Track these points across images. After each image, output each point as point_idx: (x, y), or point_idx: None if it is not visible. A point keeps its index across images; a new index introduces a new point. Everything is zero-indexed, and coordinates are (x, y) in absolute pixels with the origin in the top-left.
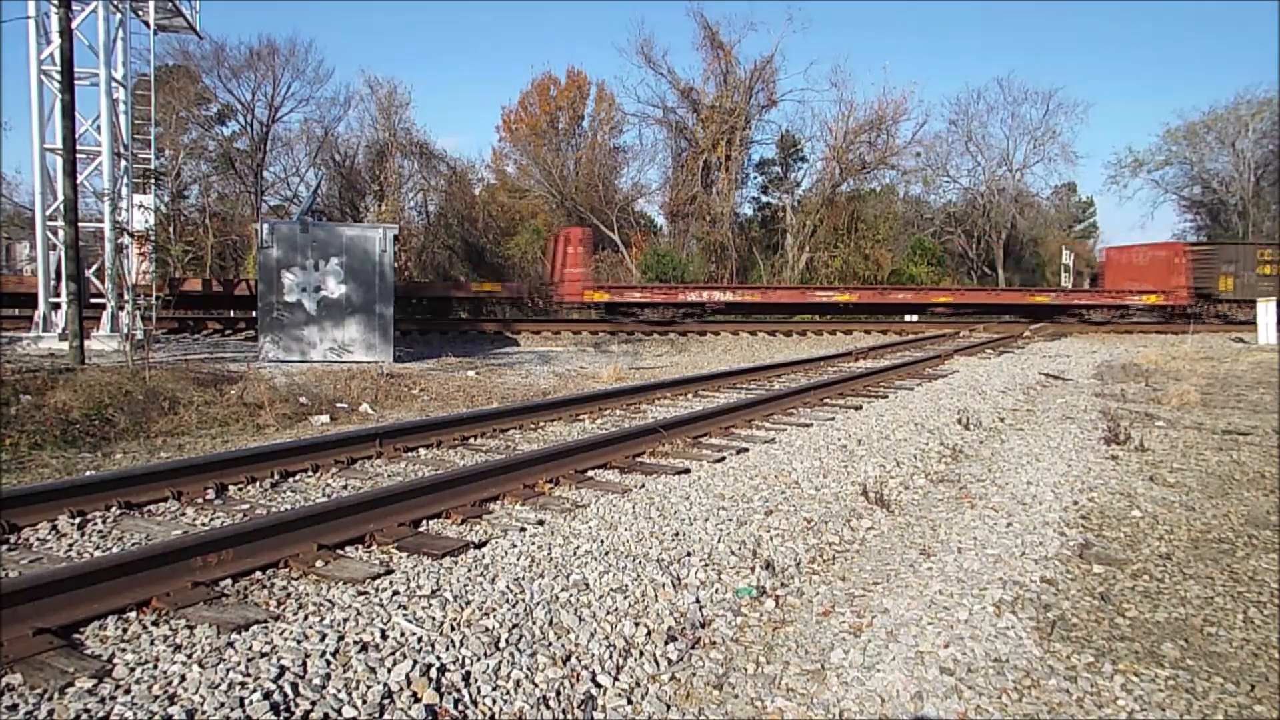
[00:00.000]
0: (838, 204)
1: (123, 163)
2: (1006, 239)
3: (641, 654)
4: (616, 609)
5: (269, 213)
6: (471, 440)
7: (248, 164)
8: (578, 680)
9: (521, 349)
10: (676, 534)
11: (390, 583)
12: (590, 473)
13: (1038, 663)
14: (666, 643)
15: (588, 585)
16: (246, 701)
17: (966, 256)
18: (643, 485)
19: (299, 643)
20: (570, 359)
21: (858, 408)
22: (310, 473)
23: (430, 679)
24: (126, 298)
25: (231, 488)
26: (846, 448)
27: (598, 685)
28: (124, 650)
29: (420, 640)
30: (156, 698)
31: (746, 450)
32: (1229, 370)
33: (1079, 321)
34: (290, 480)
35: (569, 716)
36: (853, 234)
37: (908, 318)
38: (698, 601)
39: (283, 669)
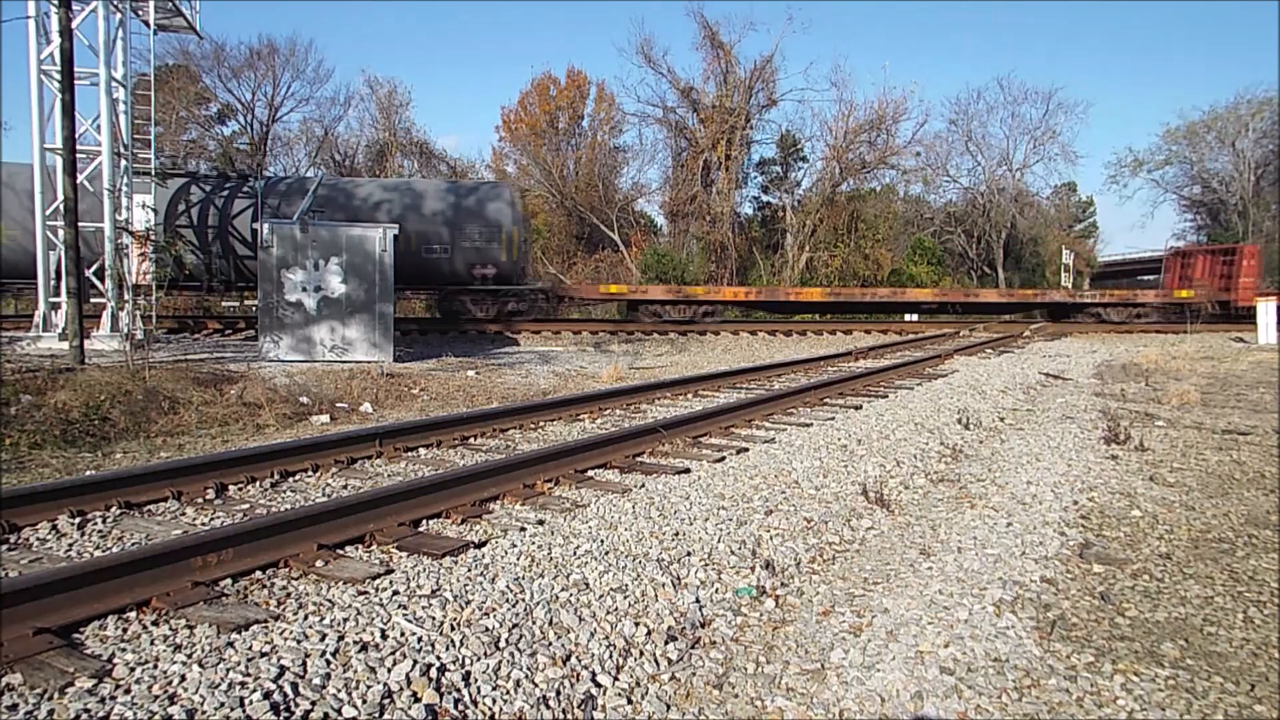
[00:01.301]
0: (838, 204)
1: (123, 163)
2: (1006, 239)
3: (641, 654)
4: (616, 609)
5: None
6: (471, 440)
7: (248, 164)
8: (578, 680)
9: (521, 349)
10: (676, 534)
11: (390, 583)
12: (590, 473)
13: (1038, 662)
14: (666, 642)
15: (588, 585)
16: (246, 701)
17: (966, 256)
18: (643, 485)
19: (299, 643)
20: (570, 359)
21: (858, 407)
22: (310, 473)
23: (430, 679)
24: (127, 297)
25: (231, 488)
26: (846, 447)
27: (598, 685)
28: (124, 650)
29: (420, 640)
30: (156, 698)
31: (746, 450)
32: (1229, 370)
33: None
34: (290, 480)
35: (569, 716)
36: (853, 234)
37: (909, 316)
38: (698, 601)
39: (283, 669)
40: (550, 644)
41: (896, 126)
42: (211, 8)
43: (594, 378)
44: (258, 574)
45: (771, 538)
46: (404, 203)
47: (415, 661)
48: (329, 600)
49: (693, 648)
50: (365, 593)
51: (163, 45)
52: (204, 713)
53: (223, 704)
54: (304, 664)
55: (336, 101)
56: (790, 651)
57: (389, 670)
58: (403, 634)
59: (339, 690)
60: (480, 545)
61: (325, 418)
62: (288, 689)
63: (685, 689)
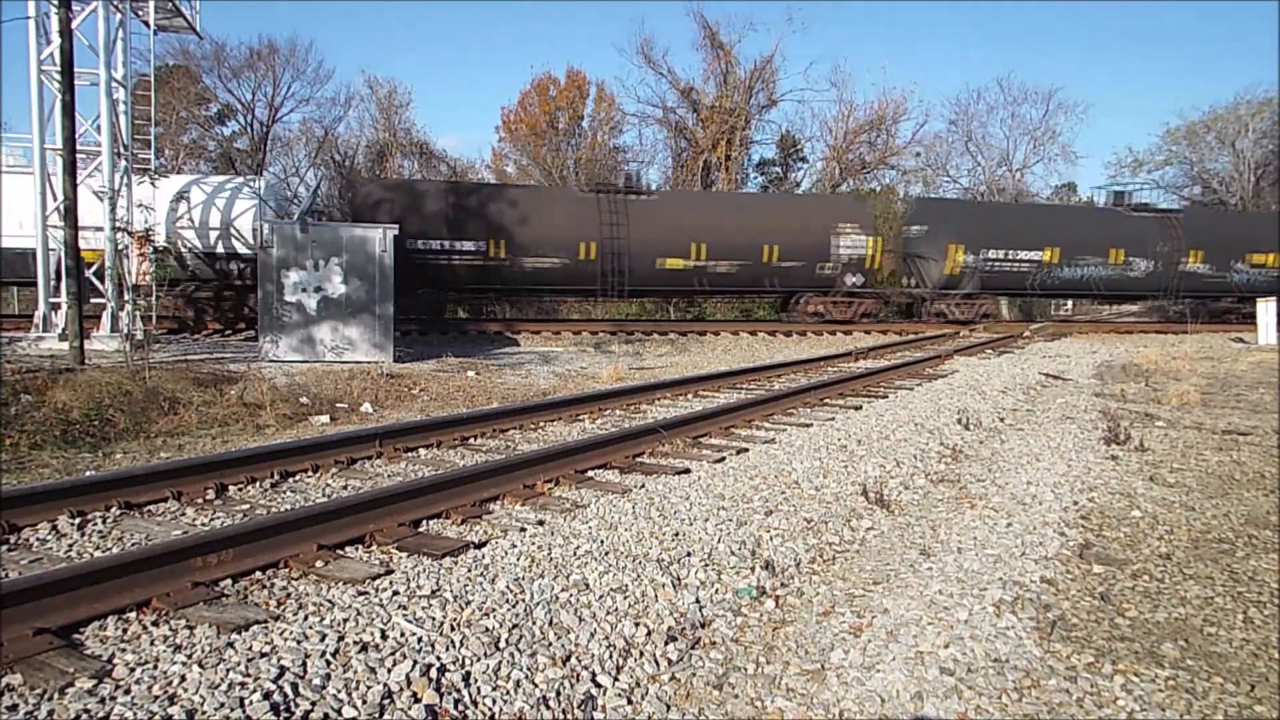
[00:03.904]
0: None
1: (123, 163)
2: None
3: (641, 654)
4: (616, 609)
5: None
6: (471, 440)
7: (248, 164)
8: (578, 680)
9: (522, 349)
10: (676, 534)
11: (390, 583)
12: (590, 473)
13: (1038, 663)
14: (666, 643)
15: (588, 585)
16: (246, 702)
17: None
18: (643, 485)
19: (299, 643)
20: (571, 359)
21: (858, 408)
22: (310, 473)
23: (430, 679)
24: (127, 298)
25: (231, 488)
26: (846, 448)
27: (598, 685)
28: (124, 650)
29: (420, 640)
30: (156, 698)
31: (746, 450)
32: (1229, 370)
33: None
34: (290, 480)
35: (569, 716)
36: None
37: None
38: (698, 602)
39: (283, 669)
40: (550, 644)
41: (896, 127)
42: (211, 8)
43: (594, 378)
44: (258, 574)
45: (771, 538)
46: None
47: (415, 662)
48: (329, 600)
49: (693, 648)
50: (365, 593)
51: (163, 45)
52: (204, 713)
53: (223, 704)
54: (304, 664)
55: (336, 102)
56: (790, 652)
57: (389, 670)
58: (403, 634)
59: (339, 690)
60: (480, 545)
61: (325, 418)
62: (288, 689)
63: (685, 689)
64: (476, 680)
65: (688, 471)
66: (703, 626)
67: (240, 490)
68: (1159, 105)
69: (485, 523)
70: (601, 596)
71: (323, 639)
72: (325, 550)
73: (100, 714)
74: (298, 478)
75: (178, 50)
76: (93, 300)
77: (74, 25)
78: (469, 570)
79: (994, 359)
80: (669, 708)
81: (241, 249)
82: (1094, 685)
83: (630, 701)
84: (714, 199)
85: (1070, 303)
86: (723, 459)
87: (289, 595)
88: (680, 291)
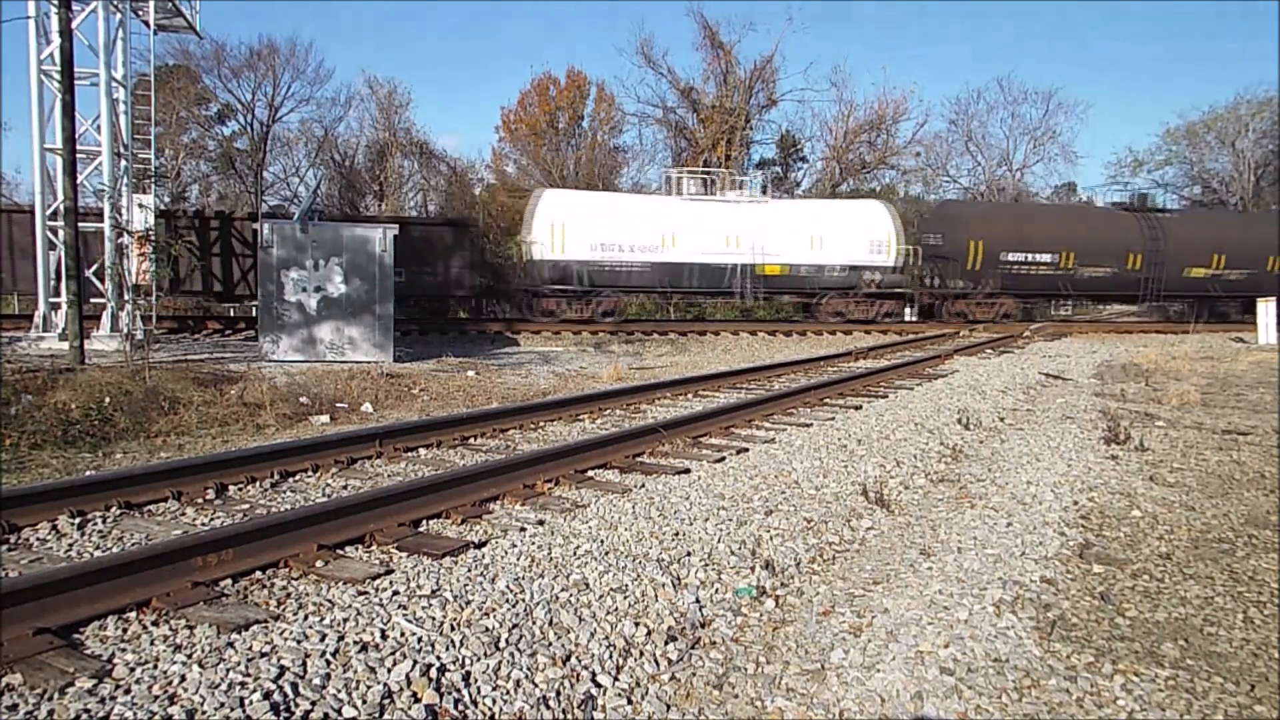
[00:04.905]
0: None
1: (123, 163)
2: None
3: (641, 654)
4: (616, 609)
5: (269, 212)
6: (471, 440)
7: (248, 164)
8: (578, 680)
9: (522, 349)
10: (676, 534)
11: (390, 583)
12: (590, 473)
13: (1038, 663)
14: (666, 643)
15: (588, 585)
16: (246, 701)
17: None
18: (643, 485)
19: (299, 643)
20: (571, 359)
21: (858, 408)
22: (310, 473)
23: (430, 679)
24: (127, 298)
25: (231, 488)
26: (846, 448)
27: (598, 685)
28: (124, 650)
29: (420, 640)
30: (156, 698)
31: (746, 450)
32: (1229, 370)
33: None
34: (290, 480)
35: (569, 716)
36: None
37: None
38: (698, 601)
39: (283, 669)
40: (550, 644)
41: (896, 127)
42: (211, 8)
43: (594, 378)
44: (258, 574)
45: (771, 538)
46: None
47: (415, 661)
48: (329, 600)
49: (693, 648)
50: (365, 593)
51: (163, 45)
52: (204, 713)
53: (223, 704)
54: (304, 664)
55: (336, 102)
56: (790, 652)
57: (389, 670)
58: (403, 634)
59: (339, 690)
60: (480, 545)
61: (325, 418)
62: (288, 689)
63: (685, 689)
64: (476, 680)
65: (688, 471)
66: (703, 626)
67: (240, 490)
68: (1159, 105)
69: (485, 522)
70: (601, 596)
71: (323, 639)
72: (325, 550)
73: (100, 714)
74: (298, 477)
75: (178, 50)
76: (93, 300)
77: (74, 25)
78: (469, 570)
79: (994, 359)
80: (669, 708)
81: None
82: (1094, 685)
83: (630, 701)
84: (1224, 216)
85: (1070, 303)
86: (723, 459)
87: (289, 595)
88: (1197, 296)
